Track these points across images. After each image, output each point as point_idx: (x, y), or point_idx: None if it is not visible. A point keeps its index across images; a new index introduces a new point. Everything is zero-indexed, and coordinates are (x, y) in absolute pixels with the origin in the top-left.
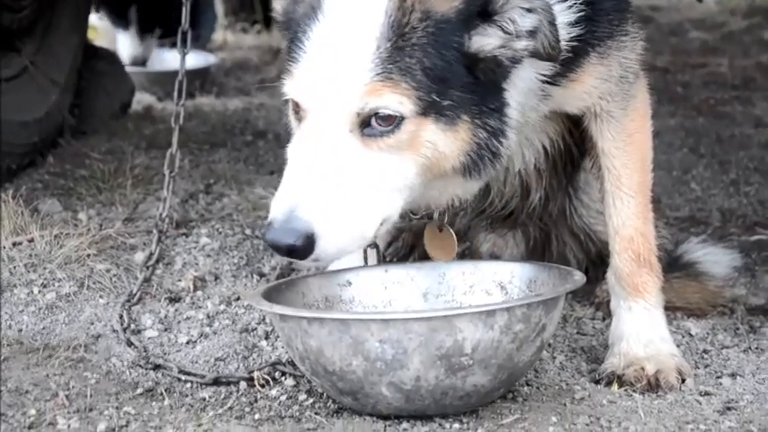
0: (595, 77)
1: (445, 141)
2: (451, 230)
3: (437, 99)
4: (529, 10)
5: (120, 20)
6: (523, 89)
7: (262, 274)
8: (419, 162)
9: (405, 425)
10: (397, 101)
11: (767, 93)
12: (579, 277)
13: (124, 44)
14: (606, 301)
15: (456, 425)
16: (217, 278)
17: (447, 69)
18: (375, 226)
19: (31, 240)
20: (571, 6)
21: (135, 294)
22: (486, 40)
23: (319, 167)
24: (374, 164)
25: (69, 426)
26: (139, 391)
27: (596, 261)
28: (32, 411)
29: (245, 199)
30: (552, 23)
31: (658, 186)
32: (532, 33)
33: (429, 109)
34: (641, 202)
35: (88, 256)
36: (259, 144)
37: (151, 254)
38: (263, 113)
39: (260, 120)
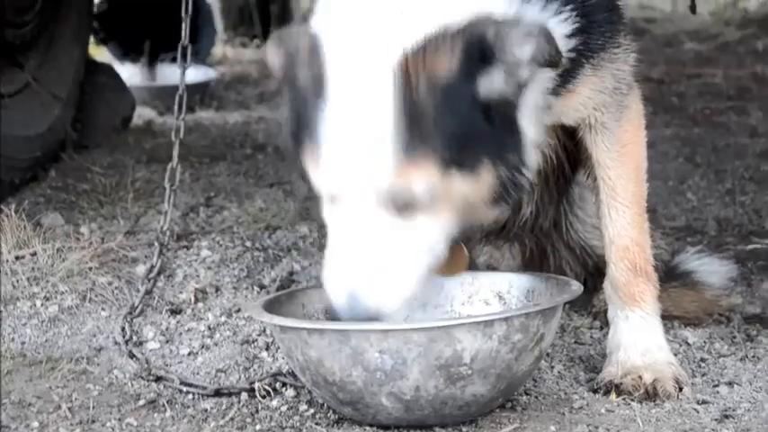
0: (590, 89)
1: (470, 187)
2: (463, 246)
3: (459, 154)
4: (526, 35)
5: (129, 54)
6: (531, 107)
7: (262, 286)
8: (452, 213)
9: None
10: (427, 174)
11: (762, 102)
12: (576, 287)
13: (131, 74)
14: (603, 311)
15: None
16: (218, 290)
17: (463, 124)
18: (424, 279)
19: (34, 254)
20: (566, 19)
21: (137, 307)
22: (492, 81)
23: (365, 247)
24: (413, 230)
25: None
26: (141, 402)
27: (593, 273)
28: (35, 424)
29: (246, 212)
30: (550, 38)
31: (654, 196)
32: (533, 58)
33: (452, 164)
34: (636, 212)
35: (90, 269)
36: (259, 157)
37: (152, 266)
38: (263, 127)
39: (259, 133)
